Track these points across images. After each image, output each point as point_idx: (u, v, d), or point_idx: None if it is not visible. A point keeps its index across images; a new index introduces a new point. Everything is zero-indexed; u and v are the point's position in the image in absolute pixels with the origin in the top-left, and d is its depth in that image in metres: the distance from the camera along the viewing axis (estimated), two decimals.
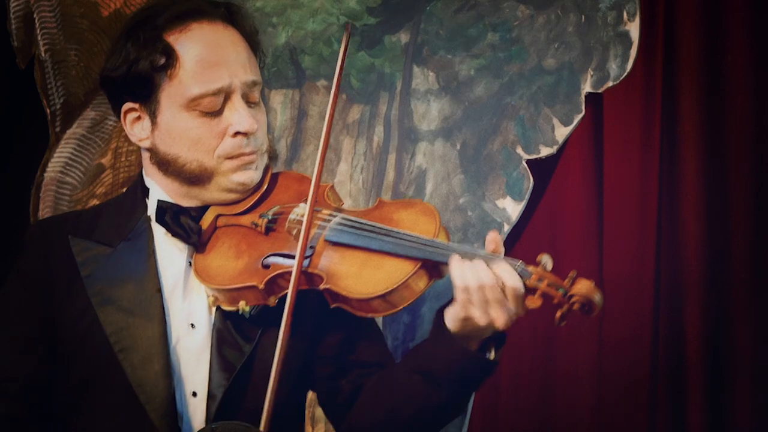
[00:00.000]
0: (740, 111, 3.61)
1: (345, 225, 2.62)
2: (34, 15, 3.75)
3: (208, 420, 2.60)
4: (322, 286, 2.57)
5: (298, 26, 3.67)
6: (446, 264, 2.53)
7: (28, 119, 3.81)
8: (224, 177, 2.67)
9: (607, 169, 3.66)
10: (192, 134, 2.65)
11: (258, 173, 2.71)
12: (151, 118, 2.68)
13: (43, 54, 3.75)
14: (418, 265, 2.54)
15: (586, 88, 3.57)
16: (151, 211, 2.71)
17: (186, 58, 2.63)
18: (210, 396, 2.61)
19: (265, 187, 2.74)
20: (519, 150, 3.58)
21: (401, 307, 2.55)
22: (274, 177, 2.78)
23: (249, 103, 2.68)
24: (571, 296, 2.45)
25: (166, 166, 2.69)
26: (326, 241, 2.62)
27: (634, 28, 3.55)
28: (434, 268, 2.56)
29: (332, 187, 2.76)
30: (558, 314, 2.45)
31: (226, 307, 2.64)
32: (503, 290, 2.47)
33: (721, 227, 3.62)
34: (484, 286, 2.46)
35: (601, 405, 3.65)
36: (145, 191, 2.74)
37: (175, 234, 2.67)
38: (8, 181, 3.79)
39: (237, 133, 2.65)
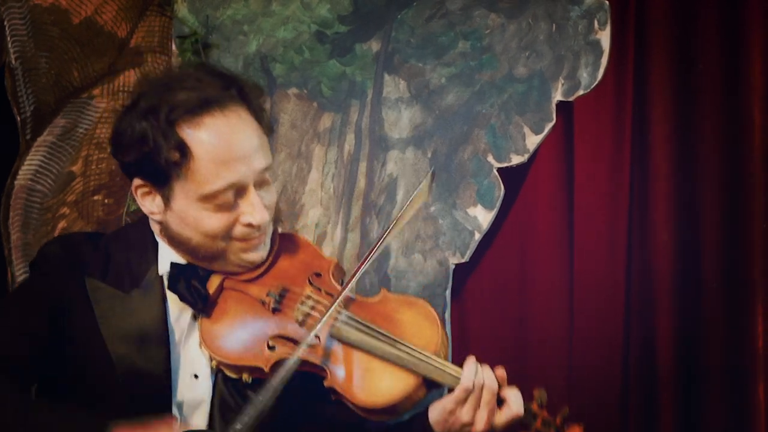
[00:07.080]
0: (710, 119, 3.62)
1: (352, 324, 2.74)
2: (5, 22, 3.73)
3: None
4: (326, 384, 2.69)
5: (269, 34, 3.67)
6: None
7: None
8: (234, 255, 2.75)
9: (577, 177, 3.66)
10: (205, 225, 2.70)
11: (266, 249, 2.79)
12: (164, 201, 2.72)
13: (13, 61, 3.74)
14: (420, 381, 2.71)
15: (557, 96, 3.58)
16: (162, 267, 2.78)
17: (199, 154, 2.65)
18: None
19: (272, 256, 2.81)
20: (490, 158, 3.58)
21: (400, 414, 2.73)
22: (280, 239, 2.84)
23: (261, 185, 2.73)
24: None
25: (177, 244, 2.76)
26: (332, 336, 2.72)
27: (604, 37, 3.57)
28: (434, 382, 2.73)
29: (337, 264, 2.84)
30: None
31: (229, 374, 2.73)
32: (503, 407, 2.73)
33: (692, 233, 3.63)
34: (484, 388, 2.70)
35: (571, 411, 3.66)
36: (155, 245, 2.80)
37: (183, 299, 2.74)
38: None
39: (249, 224, 2.72)
